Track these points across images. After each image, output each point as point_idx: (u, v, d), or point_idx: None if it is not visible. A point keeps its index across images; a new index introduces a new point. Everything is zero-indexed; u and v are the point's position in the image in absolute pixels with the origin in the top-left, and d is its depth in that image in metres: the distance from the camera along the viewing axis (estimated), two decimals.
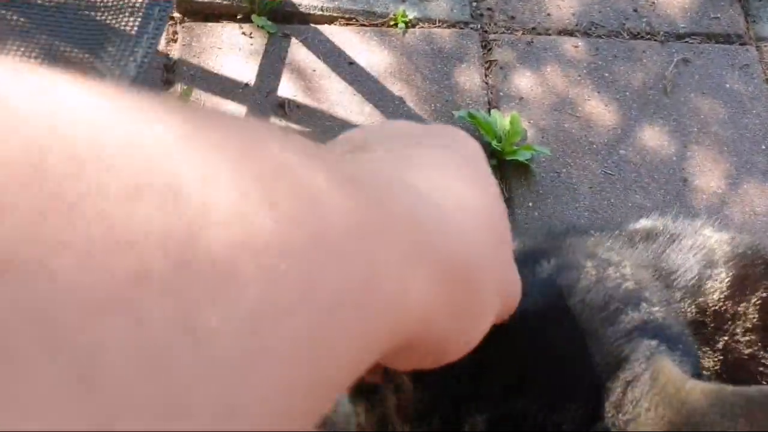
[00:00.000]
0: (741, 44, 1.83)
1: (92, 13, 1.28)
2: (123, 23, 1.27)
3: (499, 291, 0.29)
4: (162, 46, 1.59)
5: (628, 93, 1.70)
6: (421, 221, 0.24)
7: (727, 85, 1.76)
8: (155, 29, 1.30)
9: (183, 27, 1.63)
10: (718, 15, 1.86)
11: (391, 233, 0.22)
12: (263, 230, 0.17)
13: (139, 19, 1.29)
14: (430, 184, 0.27)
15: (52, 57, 1.23)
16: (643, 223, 0.49)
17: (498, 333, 0.30)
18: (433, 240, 0.25)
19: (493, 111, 1.57)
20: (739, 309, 0.42)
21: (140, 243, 0.15)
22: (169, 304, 0.15)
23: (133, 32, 1.29)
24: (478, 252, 0.27)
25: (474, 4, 1.78)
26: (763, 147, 1.68)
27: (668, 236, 0.46)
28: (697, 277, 0.43)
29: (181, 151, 0.17)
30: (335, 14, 1.69)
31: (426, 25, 1.72)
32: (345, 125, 1.56)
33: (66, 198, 0.14)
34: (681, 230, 0.46)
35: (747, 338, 0.42)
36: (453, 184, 0.29)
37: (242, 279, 0.16)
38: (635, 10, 1.83)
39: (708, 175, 1.62)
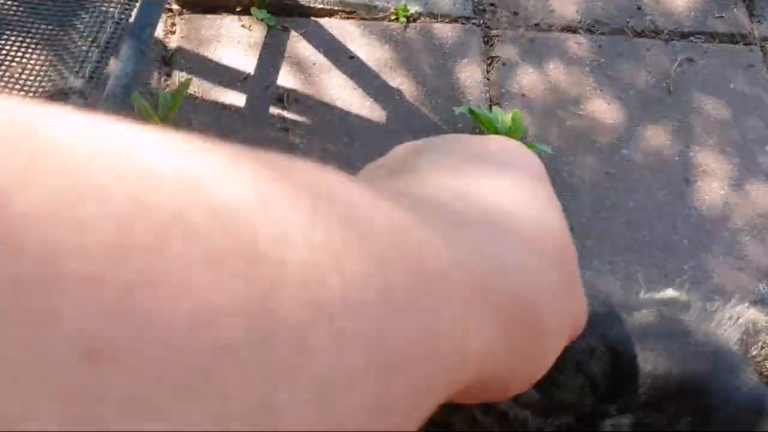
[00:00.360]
0: (745, 44, 1.81)
1: (89, 3, 1.25)
2: (120, 12, 1.24)
3: (566, 324, 0.28)
4: (161, 37, 1.58)
5: (631, 92, 1.68)
6: (482, 262, 0.24)
7: (731, 86, 1.74)
8: (152, 21, 1.28)
9: (182, 18, 1.61)
10: (723, 14, 1.84)
11: (453, 281, 0.21)
12: (333, 291, 0.17)
13: (136, 10, 1.27)
14: (491, 208, 0.26)
15: (50, 45, 1.21)
16: (670, 293, 0.47)
17: None
18: (495, 281, 0.24)
19: (494, 108, 1.55)
20: None
21: (223, 314, 0.14)
22: (250, 378, 0.14)
23: (131, 21, 1.27)
24: (543, 287, 0.26)
25: (476, 0, 1.76)
26: (767, 148, 1.67)
27: (700, 308, 0.44)
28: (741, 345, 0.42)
29: (258, 208, 0.16)
30: (336, 7, 1.67)
31: (427, 19, 1.70)
32: (345, 118, 1.54)
33: (152, 271, 0.13)
34: (714, 305, 0.45)
35: None
36: (517, 208, 0.28)
37: (313, 345, 0.16)
38: (639, 8, 1.81)
39: (711, 176, 1.61)
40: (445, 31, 1.69)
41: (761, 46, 1.82)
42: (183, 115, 1.48)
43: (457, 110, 1.55)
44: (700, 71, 1.75)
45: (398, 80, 1.61)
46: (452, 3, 1.73)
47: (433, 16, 1.70)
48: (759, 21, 1.85)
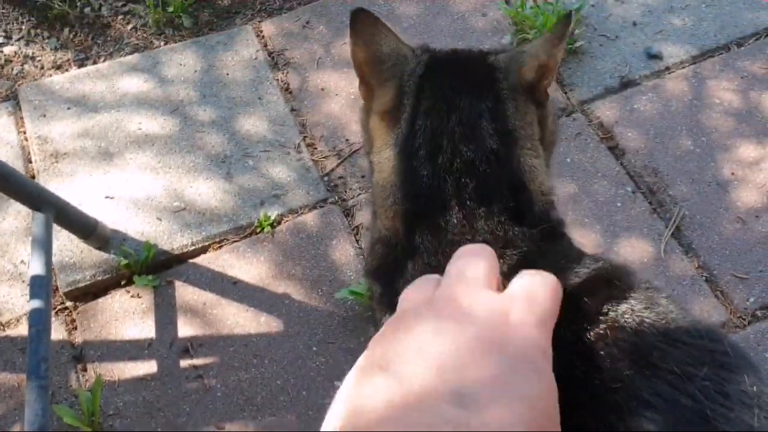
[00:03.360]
0: (567, 115, 1.99)
1: None
2: None
3: None
4: (65, 336, 1.71)
5: None
6: None
7: (569, 159, 1.91)
8: (44, 354, 1.41)
9: (78, 313, 1.75)
10: None
11: None
12: None
13: (28, 350, 1.40)
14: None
15: None
16: None
17: None
18: None
19: (362, 279, 1.69)
20: None
21: None
22: None
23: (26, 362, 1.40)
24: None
25: (326, 179, 1.92)
26: (618, 204, 1.82)
27: None
28: None
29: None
30: (206, 243, 1.82)
31: (290, 217, 1.86)
32: (248, 342, 1.67)
33: None
34: None
35: None
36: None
37: None
38: None
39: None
40: (308, 221, 1.85)
41: (582, 111, 2.00)
42: (109, 402, 1.60)
43: (337, 295, 1.68)
44: None
45: (283, 286, 1.75)
46: (306, 192, 1.89)
47: (293, 211, 1.86)
48: (571, 89, 2.04)
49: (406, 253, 0.85)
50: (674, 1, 2.18)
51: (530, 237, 0.81)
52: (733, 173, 1.85)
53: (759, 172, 1.85)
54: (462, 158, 0.84)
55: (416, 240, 0.83)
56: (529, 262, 0.77)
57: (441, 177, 0.84)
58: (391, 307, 0.75)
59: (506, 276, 0.55)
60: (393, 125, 0.91)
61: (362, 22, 0.90)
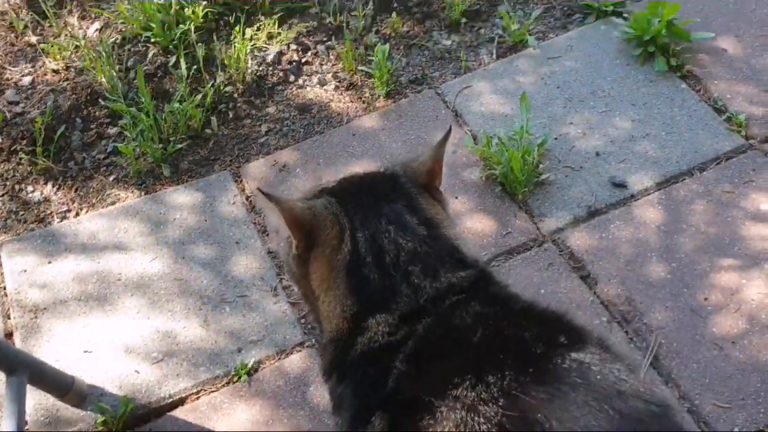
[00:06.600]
0: (539, 246, 2.03)
1: None
2: None
3: None
4: None
5: None
6: None
7: (543, 291, 1.92)
8: None
9: None
10: (509, 229, 2.07)
11: None
12: None
13: None
14: None
15: None
16: None
17: None
18: None
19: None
20: None
21: None
22: None
23: None
24: None
25: (303, 321, 1.93)
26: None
27: None
28: None
29: None
30: (183, 394, 1.80)
31: (267, 364, 1.85)
32: None
33: None
34: None
35: None
36: None
37: None
38: None
39: None
40: (286, 366, 1.84)
41: (553, 241, 2.04)
42: None
43: None
44: (513, 289, 1.93)
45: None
46: (283, 336, 1.89)
47: (271, 357, 1.86)
48: (540, 220, 2.09)
49: (355, 342, 1.04)
50: (635, 131, 2.27)
51: (470, 277, 1.06)
52: (706, 298, 1.87)
53: (731, 296, 1.86)
54: (405, 249, 1.05)
55: (367, 328, 1.03)
56: (474, 297, 1.02)
57: (391, 275, 1.04)
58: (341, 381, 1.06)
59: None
60: (337, 251, 1.08)
61: (269, 199, 1.09)
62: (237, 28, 2.57)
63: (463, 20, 2.67)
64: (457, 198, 2.14)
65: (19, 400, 1.56)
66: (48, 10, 2.69)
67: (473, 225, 2.08)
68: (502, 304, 1.03)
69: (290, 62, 2.59)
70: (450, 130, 1.18)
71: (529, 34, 2.58)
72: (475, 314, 0.97)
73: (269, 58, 2.58)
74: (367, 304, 1.04)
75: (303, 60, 2.60)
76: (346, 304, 1.06)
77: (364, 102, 2.46)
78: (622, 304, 1.87)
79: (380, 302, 1.02)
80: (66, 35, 2.65)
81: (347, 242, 1.07)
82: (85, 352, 1.89)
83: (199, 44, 2.53)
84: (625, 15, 2.60)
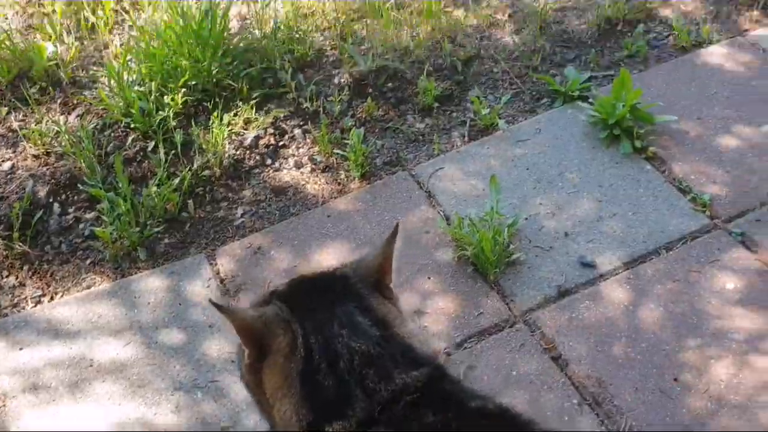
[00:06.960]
0: (510, 326, 2.05)
1: None
2: None
3: None
4: None
5: None
6: None
7: (514, 372, 1.93)
8: None
9: None
10: (481, 310, 2.09)
11: None
12: None
13: None
14: None
15: None
16: None
17: None
18: None
19: None
20: None
21: None
22: None
23: None
24: None
25: None
26: (566, 419, 1.82)
27: None
28: None
29: None
30: None
31: None
32: None
33: None
34: None
35: None
36: None
37: None
38: None
39: None
40: None
41: (524, 321, 2.06)
42: None
43: None
44: (484, 373, 1.94)
45: None
46: (255, 423, 1.88)
47: None
48: (512, 300, 2.11)
49: None
50: (602, 211, 2.32)
51: (423, 377, 1.05)
52: (675, 379, 1.88)
53: (700, 376, 1.88)
54: (358, 352, 1.05)
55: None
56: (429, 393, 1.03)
57: (346, 380, 1.03)
58: None
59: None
60: (290, 359, 1.08)
61: (219, 310, 1.11)
62: (215, 114, 2.64)
63: (436, 104, 2.75)
64: (429, 278, 2.17)
65: None
66: (29, 97, 2.76)
67: (446, 306, 2.10)
68: (456, 403, 1.04)
69: (267, 146, 2.65)
70: (397, 226, 1.19)
71: (500, 118, 2.66)
72: (430, 416, 0.99)
73: (246, 142, 2.64)
74: (323, 412, 1.03)
75: (280, 143, 2.67)
76: (302, 413, 1.05)
77: (339, 184, 2.52)
78: (592, 386, 1.88)
79: (336, 409, 1.02)
80: (47, 121, 2.71)
81: (300, 349, 1.07)
82: None
83: (178, 129, 2.59)
84: (591, 99, 2.69)
